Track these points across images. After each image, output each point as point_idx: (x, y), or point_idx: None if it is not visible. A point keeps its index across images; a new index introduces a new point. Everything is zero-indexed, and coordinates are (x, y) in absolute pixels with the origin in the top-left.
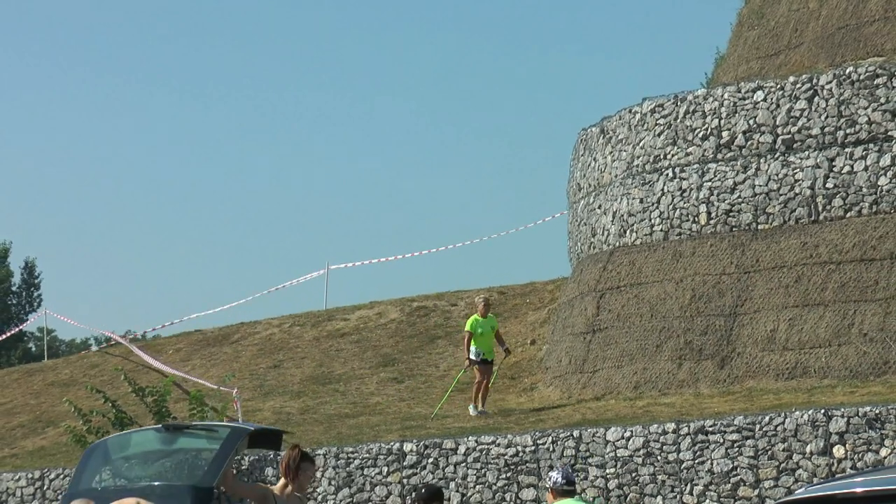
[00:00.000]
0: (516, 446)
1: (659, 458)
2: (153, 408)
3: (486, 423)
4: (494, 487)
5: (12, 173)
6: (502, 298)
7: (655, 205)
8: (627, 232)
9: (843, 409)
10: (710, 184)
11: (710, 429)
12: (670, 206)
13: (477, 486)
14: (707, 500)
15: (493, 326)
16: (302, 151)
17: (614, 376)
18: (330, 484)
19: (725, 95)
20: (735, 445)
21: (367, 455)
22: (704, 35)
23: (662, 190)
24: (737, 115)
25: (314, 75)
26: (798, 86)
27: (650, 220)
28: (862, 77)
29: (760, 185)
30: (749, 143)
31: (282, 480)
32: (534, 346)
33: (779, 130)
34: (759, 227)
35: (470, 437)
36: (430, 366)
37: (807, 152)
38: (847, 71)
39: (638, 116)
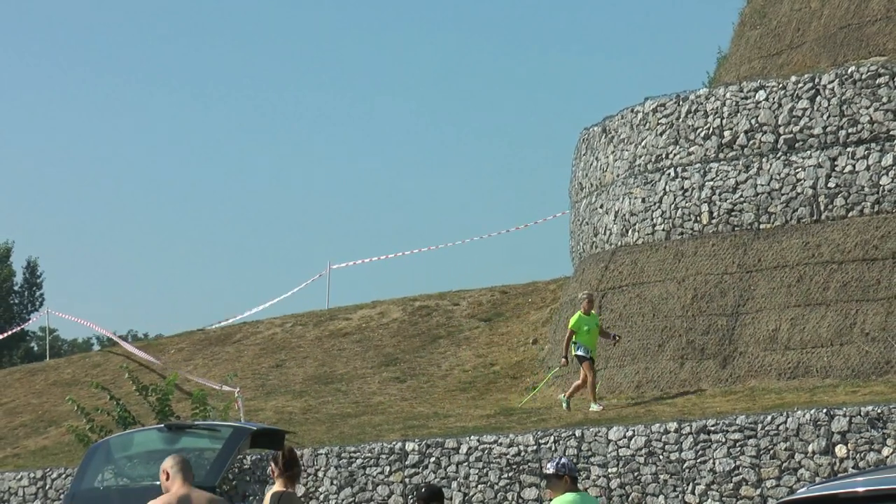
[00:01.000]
0: (518, 446)
1: (661, 457)
2: (156, 407)
3: (488, 423)
4: (496, 487)
5: (14, 173)
6: (504, 298)
7: (657, 204)
8: (629, 231)
9: (845, 409)
10: (712, 183)
11: (712, 428)
12: (672, 206)
13: (479, 486)
14: (709, 500)
15: (597, 323)
16: (302, 151)
17: (616, 376)
18: (332, 483)
19: (727, 95)
20: (737, 445)
21: (370, 455)
22: (706, 34)
23: (664, 189)
24: (739, 114)
25: (314, 75)
26: (800, 85)
27: (652, 219)
28: (864, 77)
29: (762, 185)
30: (751, 142)
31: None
32: (536, 345)
33: (781, 130)
34: (761, 226)
35: (472, 437)
36: (433, 365)
37: (809, 152)
38: (849, 70)
39: (640, 116)
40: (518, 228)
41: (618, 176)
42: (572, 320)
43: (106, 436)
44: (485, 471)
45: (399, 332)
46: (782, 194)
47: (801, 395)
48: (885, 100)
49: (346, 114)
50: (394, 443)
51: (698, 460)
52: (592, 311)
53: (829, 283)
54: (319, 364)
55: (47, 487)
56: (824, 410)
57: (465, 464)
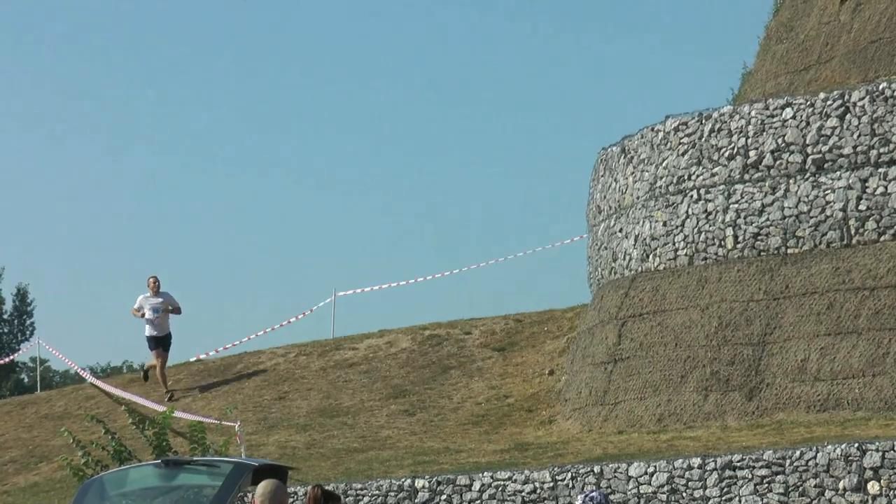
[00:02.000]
0: (534, 482)
1: (684, 494)
2: (153, 441)
3: (502, 458)
4: None
5: (2, 193)
6: (518, 326)
7: (679, 228)
8: (650, 256)
9: (877, 443)
10: (736, 206)
11: (738, 464)
12: (695, 230)
13: None
14: None
15: None
16: (305, 171)
17: (637, 408)
18: None
19: (753, 113)
20: (764, 481)
21: (377, 492)
22: (730, 49)
23: (687, 212)
24: (765, 133)
25: (322, 97)
26: (829, 102)
27: (674, 243)
28: None
29: (790, 208)
30: (778, 162)
31: None
32: (552, 376)
33: (809, 149)
34: (789, 251)
35: (485, 473)
36: (444, 397)
37: (838, 172)
38: (881, 87)
39: (661, 135)
40: (535, 251)
41: (638, 198)
42: None
43: (102, 471)
44: None
45: (408, 363)
46: (811, 217)
47: (832, 429)
48: None
49: (351, 135)
50: (403, 479)
51: (724, 498)
52: None
53: (861, 311)
54: (324, 396)
55: None
56: (856, 445)
57: (479, 501)
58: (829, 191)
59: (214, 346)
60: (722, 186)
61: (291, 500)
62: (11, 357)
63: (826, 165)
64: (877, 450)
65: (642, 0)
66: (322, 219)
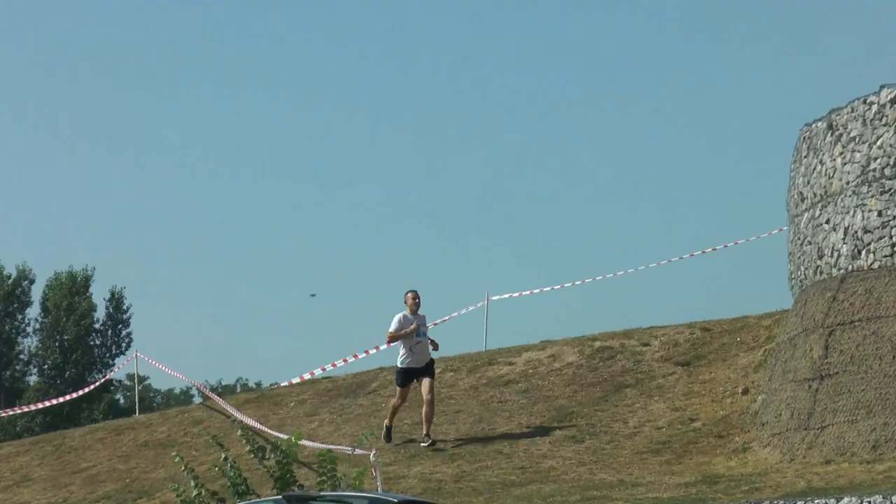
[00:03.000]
0: None
1: None
2: (275, 472)
3: (688, 493)
4: None
5: (94, 189)
6: (706, 337)
7: None
8: (863, 252)
9: None
10: None
11: None
12: None
13: None
14: None
15: None
16: (458, 160)
17: (848, 433)
18: None
19: None
20: None
21: None
22: None
23: None
24: None
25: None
26: None
27: (891, 237)
28: None
29: None
30: None
31: None
32: (746, 396)
33: None
34: None
35: None
36: (617, 421)
37: None
38: None
39: (874, 108)
40: (725, 247)
41: (847, 183)
42: None
43: None
44: None
45: (575, 380)
46: None
47: None
48: None
49: (511, 124)
50: None
51: None
52: None
53: None
54: (476, 419)
55: None
56: None
57: None
58: None
59: (342, 357)
60: None
61: None
62: (106, 376)
63: None
64: None
65: None
66: (472, 213)
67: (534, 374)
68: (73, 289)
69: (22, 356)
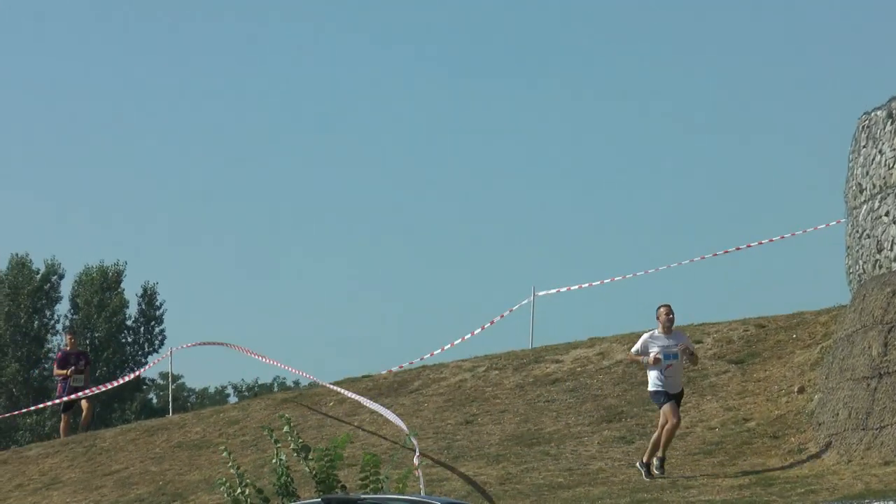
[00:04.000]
0: None
1: None
2: (318, 474)
3: (741, 496)
4: None
5: (127, 180)
6: (761, 333)
7: None
8: None
9: None
10: None
11: None
12: None
13: None
14: None
15: None
16: (502, 156)
17: None
18: None
19: None
20: None
21: None
22: None
23: None
24: None
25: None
26: None
27: None
28: None
29: None
30: None
31: None
32: (803, 395)
33: None
34: None
35: None
36: None
37: None
38: None
39: None
40: (780, 240)
41: None
42: None
43: None
44: None
45: (624, 379)
46: None
47: None
48: None
49: (557, 119)
50: None
51: None
52: None
53: None
54: (522, 420)
55: None
56: None
57: None
58: None
59: (387, 362)
60: None
61: None
62: (138, 373)
63: None
64: None
65: None
66: (518, 207)
67: (582, 373)
68: (104, 284)
69: (51, 354)
